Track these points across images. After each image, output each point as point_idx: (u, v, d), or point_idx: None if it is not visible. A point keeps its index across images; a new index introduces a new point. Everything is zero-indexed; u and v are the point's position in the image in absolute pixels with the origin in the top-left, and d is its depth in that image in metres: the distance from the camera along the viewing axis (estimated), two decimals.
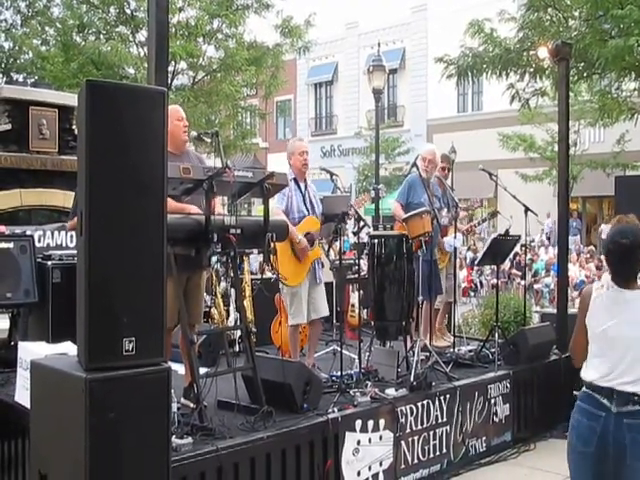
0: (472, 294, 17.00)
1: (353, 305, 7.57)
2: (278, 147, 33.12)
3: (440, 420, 5.35)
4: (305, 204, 5.81)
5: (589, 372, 3.18)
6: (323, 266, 6.04)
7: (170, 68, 15.83)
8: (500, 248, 6.78)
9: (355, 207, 5.79)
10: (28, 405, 3.59)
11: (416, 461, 5.14)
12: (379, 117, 15.44)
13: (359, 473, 4.69)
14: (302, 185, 5.85)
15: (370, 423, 4.79)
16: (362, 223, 5.91)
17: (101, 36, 17.06)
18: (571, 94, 15.08)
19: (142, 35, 16.04)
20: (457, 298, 7.44)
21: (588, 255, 17.82)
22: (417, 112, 29.46)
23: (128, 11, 16.49)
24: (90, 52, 15.77)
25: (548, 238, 21.18)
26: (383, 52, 16.66)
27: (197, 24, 15.98)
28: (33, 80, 17.84)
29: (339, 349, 5.45)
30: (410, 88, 30.05)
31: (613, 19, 10.12)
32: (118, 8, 16.53)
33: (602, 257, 17.24)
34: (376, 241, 5.87)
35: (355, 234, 6.07)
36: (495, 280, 7.92)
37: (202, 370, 4.52)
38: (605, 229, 21.05)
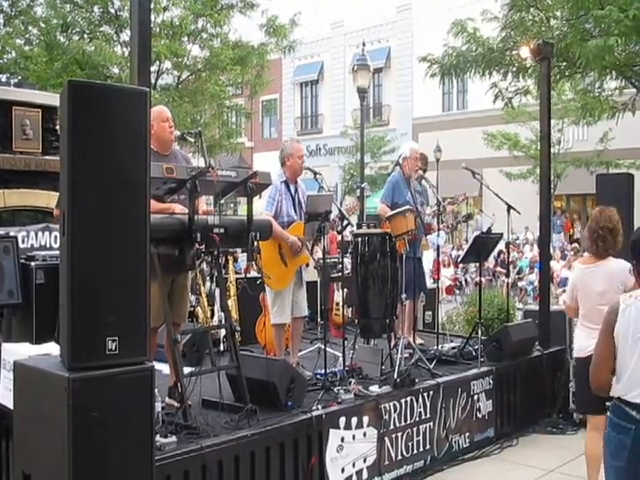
0: (457, 292, 17.08)
1: (337, 303, 7.60)
2: (264, 146, 33.15)
3: (423, 416, 5.39)
4: (295, 208, 5.84)
5: (617, 387, 3.07)
6: (308, 266, 6.08)
7: (155, 68, 15.81)
8: (483, 246, 6.84)
9: (345, 213, 5.84)
10: (11, 406, 3.60)
11: (400, 457, 5.17)
12: (364, 116, 15.49)
13: (343, 470, 4.72)
14: (293, 188, 5.87)
15: (354, 420, 4.82)
16: (346, 222, 5.94)
17: (85, 36, 17.00)
18: (554, 93, 15.25)
19: (126, 35, 16.02)
20: (439, 295, 7.50)
21: (572, 253, 17.92)
22: (402, 111, 29.56)
23: (112, 10, 16.47)
24: (74, 52, 15.70)
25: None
26: (368, 51, 16.73)
27: (182, 23, 15.97)
28: (16, 80, 17.70)
29: (323, 347, 5.49)
30: (396, 87, 30.15)
31: (594, 19, 10.22)
32: (102, 7, 16.49)
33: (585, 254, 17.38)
34: (360, 239, 5.91)
35: (339, 232, 6.10)
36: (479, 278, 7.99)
37: (186, 369, 4.53)
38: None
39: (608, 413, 3.14)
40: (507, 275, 9.29)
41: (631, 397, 2.99)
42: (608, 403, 3.23)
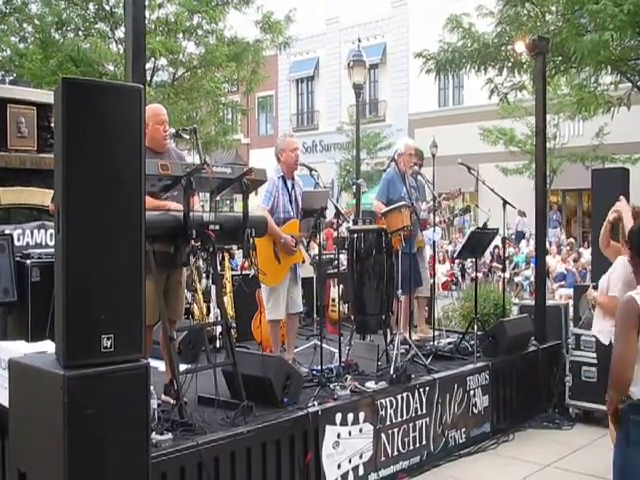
0: (453, 287, 17.11)
1: (334, 300, 7.61)
2: (260, 143, 33.13)
3: (420, 412, 5.40)
4: (291, 204, 5.84)
5: None
6: (303, 262, 6.08)
7: (150, 64, 15.77)
8: (479, 241, 6.85)
9: (341, 209, 5.85)
10: (6, 404, 3.60)
11: (396, 453, 5.18)
12: (360, 112, 15.47)
13: (339, 466, 4.73)
14: (290, 184, 5.87)
15: (350, 416, 4.83)
16: (342, 218, 5.96)
17: (80, 33, 16.94)
18: (550, 88, 15.27)
19: (121, 32, 15.92)
20: (435, 291, 7.50)
21: (568, 247, 17.97)
22: (398, 107, 29.55)
23: (107, 7, 16.41)
24: (69, 49, 15.67)
25: (519, 232, 21.20)
26: (364, 47, 16.68)
27: (177, 20, 15.93)
28: (11, 78, 17.64)
29: (320, 343, 5.49)
30: (391, 83, 30.13)
31: (589, 14, 10.22)
32: (97, 4, 16.44)
33: (581, 250, 17.42)
34: (355, 235, 5.91)
35: (335, 229, 6.11)
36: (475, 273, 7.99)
37: (182, 366, 4.53)
38: (522, 221, 21.01)
39: (632, 415, 3.03)
40: (503, 270, 9.30)
41: None
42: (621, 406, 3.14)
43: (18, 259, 5.58)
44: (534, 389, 6.51)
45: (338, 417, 4.74)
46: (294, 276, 5.86)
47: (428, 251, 7.66)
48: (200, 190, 4.64)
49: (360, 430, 4.90)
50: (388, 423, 5.13)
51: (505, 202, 6.90)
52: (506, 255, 10.74)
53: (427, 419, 5.46)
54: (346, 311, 7.00)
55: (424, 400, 5.44)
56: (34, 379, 3.31)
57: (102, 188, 3.18)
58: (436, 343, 6.58)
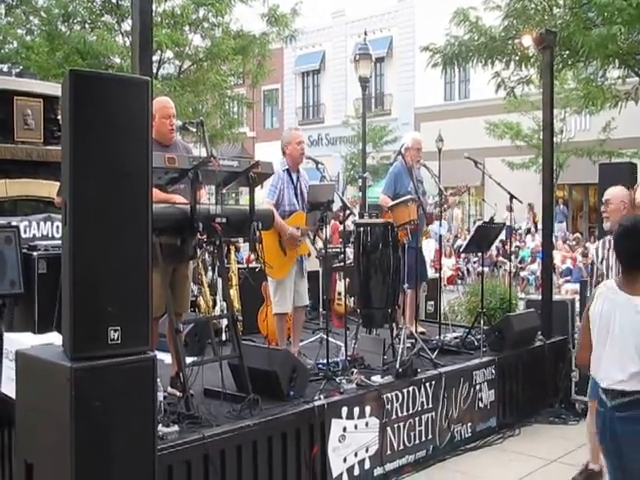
0: (459, 282, 17.07)
1: (339, 293, 7.60)
2: (266, 136, 33.08)
3: (426, 406, 5.40)
4: (296, 197, 5.83)
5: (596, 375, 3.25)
6: (309, 255, 6.07)
7: (156, 57, 15.75)
8: (485, 235, 6.83)
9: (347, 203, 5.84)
10: (14, 395, 3.60)
11: (402, 447, 5.18)
12: (366, 106, 15.45)
13: (345, 459, 4.73)
14: (295, 176, 5.86)
15: (356, 410, 4.82)
16: (348, 211, 5.94)
17: (86, 25, 16.94)
18: (557, 82, 15.20)
19: (128, 24, 15.92)
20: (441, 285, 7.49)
21: (574, 242, 17.92)
22: (404, 100, 29.45)
23: (113, 0, 16.39)
24: (75, 42, 15.67)
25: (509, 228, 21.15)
26: (370, 41, 16.65)
27: (183, 13, 15.91)
28: (18, 70, 17.64)
29: (325, 337, 5.49)
30: (397, 76, 30.04)
31: (597, 7, 10.17)
32: None
33: (587, 245, 17.37)
34: (362, 229, 5.90)
35: (341, 222, 6.09)
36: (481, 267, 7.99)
37: (189, 359, 4.53)
38: (510, 216, 20.84)
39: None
40: (509, 260, 9.26)
41: (600, 382, 3.18)
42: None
43: (25, 251, 5.58)
44: (540, 384, 6.50)
45: (344, 411, 4.74)
46: (300, 270, 5.86)
47: (432, 244, 7.65)
48: (207, 183, 4.64)
49: (366, 424, 4.90)
50: (394, 417, 5.13)
51: (512, 196, 6.87)
52: (512, 249, 10.72)
53: (433, 413, 5.46)
54: (352, 305, 6.99)
55: (430, 394, 5.44)
56: (41, 371, 3.32)
57: (109, 180, 3.18)
58: (442, 337, 6.57)
